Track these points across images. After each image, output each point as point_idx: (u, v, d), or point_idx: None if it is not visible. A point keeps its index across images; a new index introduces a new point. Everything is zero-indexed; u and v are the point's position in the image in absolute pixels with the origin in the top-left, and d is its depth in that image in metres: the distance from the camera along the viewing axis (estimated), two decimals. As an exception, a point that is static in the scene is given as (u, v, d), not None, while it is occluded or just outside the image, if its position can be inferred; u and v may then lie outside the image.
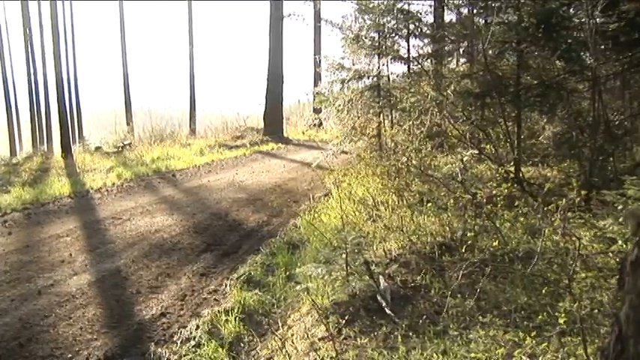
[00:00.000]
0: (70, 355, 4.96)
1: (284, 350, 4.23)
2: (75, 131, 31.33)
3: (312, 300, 4.92)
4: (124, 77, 32.97)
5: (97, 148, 22.83)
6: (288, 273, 6.56)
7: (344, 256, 5.43)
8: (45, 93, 31.73)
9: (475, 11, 12.46)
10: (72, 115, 30.93)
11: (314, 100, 16.27)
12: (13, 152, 29.61)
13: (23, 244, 8.57)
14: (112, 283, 6.80)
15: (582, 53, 8.05)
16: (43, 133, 32.51)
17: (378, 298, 4.81)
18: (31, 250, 8.23)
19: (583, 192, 5.51)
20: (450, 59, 15.24)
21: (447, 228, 6.06)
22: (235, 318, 5.38)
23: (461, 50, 14.53)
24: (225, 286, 6.61)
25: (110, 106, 37.72)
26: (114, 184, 14.19)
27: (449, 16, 15.03)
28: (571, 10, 8.32)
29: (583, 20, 7.73)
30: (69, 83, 31.03)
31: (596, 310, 4.00)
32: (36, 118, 32.66)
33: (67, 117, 23.08)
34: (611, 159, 7.69)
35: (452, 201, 6.32)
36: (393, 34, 13.18)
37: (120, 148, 22.23)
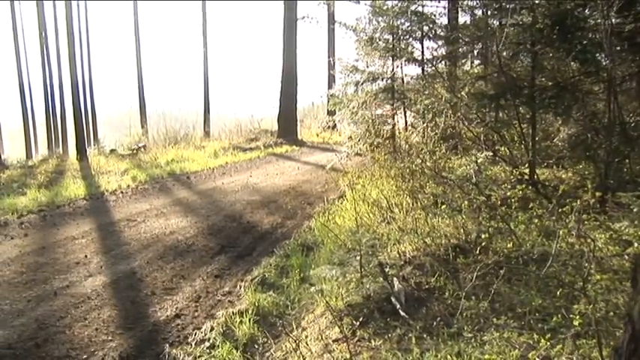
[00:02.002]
0: (85, 356, 5.00)
1: (298, 352, 4.25)
2: (90, 134, 31.52)
3: (327, 302, 4.92)
4: (138, 79, 33.15)
5: (112, 151, 23.00)
6: (302, 275, 6.56)
7: (358, 258, 5.44)
8: (60, 95, 31.94)
9: (489, 13, 12.40)
10: (87, 118, 31.12)
11: (328, 102, 16.32)
12: (28, 155, 29.82)
13: (39, 245, 8.65)
14: (127, 285, 6.85)
15: (597, 54, 7.99)
16: (58, 136, 32.73)
17: (392, 300, 4.81)
18: (46, 251, 8.30)
19: (598, 194, 5.49)
20: (464, 61, 15.17)
21: (462, 230, 6.05)
22: (249, 319, 5.40)
23: (475, 52, 14.45)
24: (240, 287, 6.64)
25: (125, 108, 37.93)
26: (128, 186, 14.28)
27: (463, 18, 14.94)
28: (586, 11, 8.25)
29: (598, 21, 7.68)
30: (84, 86, 31.22)
31: (611, 313, 3.97)
32: (51, 121, 32.87)
33: (82, 119, 23.28)
34: (626, 161, 7.64)
35: (466, 203, 6.30)
36: (407, 36, 13.18)
37: (134, 151, 22.37)
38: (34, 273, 7.31)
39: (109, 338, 5.36)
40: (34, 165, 19.92)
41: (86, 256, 8.00)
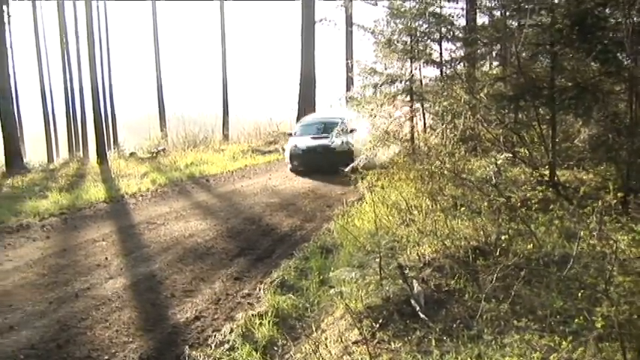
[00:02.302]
0: (106, 357, 5.04)
1: (318, 354, 4.24)
2: (110, 137, 31.77)
3: (346, 304, 4.92)
4: (157, 83, 33.37)
5: (132, 154, 23.16)
6: (321, 277, 6.56)
7: (377, 260, 5.43)
8: (81, 100, 32.33)
9: (508, 14, 12.34)
10: (107, 122, 31.38)
11: (347, 104, 16.34)
12: (50, 158, 30.16)
13: (61, 248, 8.75)
14: (147, 287, 6.90)
15: (619, 54, 7.92)
16: (78, 140, 33.12)
17: (412, 302, 4.79)
18: (68, 253, 8.39)
19: (620, 195, 5.43)
20: (482, 62, 15.12)
21: (481, 232, 6.01)
22: (269, 322, 5.41)
23: (494, 53, 14.39)
24: (259, 290, 6.65)
25: (144, 112, 38.07)
26: (148, 189, 14.36)
27: (481, 19, 14.90)
28: (607, 10, 8.18)
29: (619, 20, 7.61)
30: (104, 89, 31.52)
31: (635, 315, 3.92)
32: (72, 125, 33.30)
33: (102, 123, 23.49)
34: (649, 161, 7.55)
35: (486, 205, 6.26)
36: (425, 38, 13.16)
37: (154, 154, 22.50)
38: (55, 275, 7.38)
39: (130, 340, 5.40)
40: (55, 168, 20.16)
41: (107, 259, 8.06)
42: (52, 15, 36.92)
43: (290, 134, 19.31)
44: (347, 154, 15.31)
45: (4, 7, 26.35)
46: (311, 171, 16.16)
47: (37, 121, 34.55)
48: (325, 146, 16.34)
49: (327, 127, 17.54)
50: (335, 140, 16.24)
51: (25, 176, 17.22)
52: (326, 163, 15.75)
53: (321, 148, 16.35)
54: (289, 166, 17.36)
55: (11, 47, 29.88)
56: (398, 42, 12.80)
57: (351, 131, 16.34)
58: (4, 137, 19.70)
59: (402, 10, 12.78)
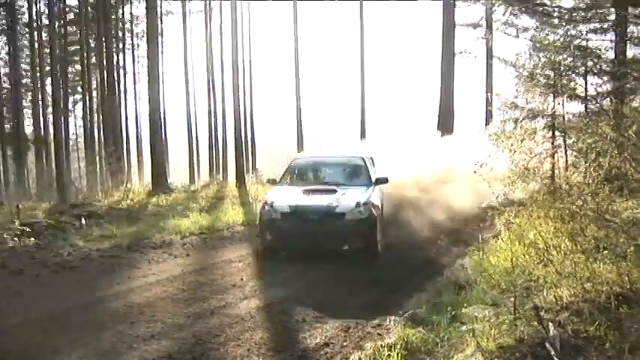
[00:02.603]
0: (238, 375, 5.25)
1: (447, 391, 4.21)
2: (249, 162, 33.08)
3: (477, 342, 4.84)
4: (296, 112, 34.29)
5: (269, 180, 23.89)
6: (453, 313, 6.47)
7: (512, 299, 5.31)
8: (223, 125, 34.15)
9: (662, 46, 11.77)
10: (247, 148, 32.72)
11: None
12: (192, 180, 31.91)
13: (199, 266, 9.29)
14: (279, 310, 7.12)
15: None
16: (219, 163, 34.87)
17: (547, 345, 4.64)
18: (205, 272, 8.89)
19: None
20: (632, 97, 14.41)
21: (626, 277, 5.71)
22: (398, 354, 5.37)
23: (645, 88, 13.71)
24: (389, 321, 6.64)
25: (283, 139, 39.50)
26: (285, 215, 14.75)
27: (631, 51, 14.27)
28: None
29: None
30: (245, 116, 33.04)
31: None
32: (213, 149, 35.13)
33: (242, 149, 24.51)
34: None
35: (632, 249, 5.95)
36: (570, 72, 12.75)
37: (291, 181, 23.09)
38: (193, 291, 7.82)
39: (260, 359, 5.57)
40: (196, 190, 21.35)
41: (242, 279, 8.41)
42: (200, 42, 39.43)
43: (272, 181, 12.49)
44: (363, 225, 9.83)
45: (160, 38, 28.42)
46: (297, 254, 9.91)
47: (180, 143, 36.77)
48: (325, 209, 9.85)
49: (333, 173, 12.00)
50: (342, 200, 10.02)
51: (169, 196, 18.38)
52: (323, 239, 9.66)
53: (317, 211, 9.87)
54: (259, 239, 10.55)
55: (162, 74, 32.15)
56: (540, 76, 12.50)
57: (378, 182, 11.41)
58: (152, 159, 21.11)
59: (546, 43, 12.51)
